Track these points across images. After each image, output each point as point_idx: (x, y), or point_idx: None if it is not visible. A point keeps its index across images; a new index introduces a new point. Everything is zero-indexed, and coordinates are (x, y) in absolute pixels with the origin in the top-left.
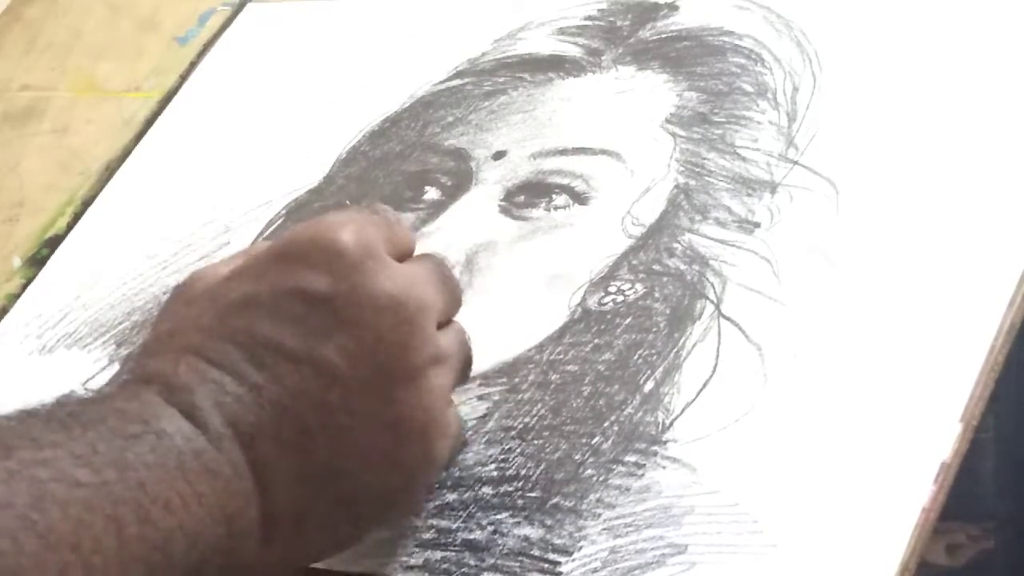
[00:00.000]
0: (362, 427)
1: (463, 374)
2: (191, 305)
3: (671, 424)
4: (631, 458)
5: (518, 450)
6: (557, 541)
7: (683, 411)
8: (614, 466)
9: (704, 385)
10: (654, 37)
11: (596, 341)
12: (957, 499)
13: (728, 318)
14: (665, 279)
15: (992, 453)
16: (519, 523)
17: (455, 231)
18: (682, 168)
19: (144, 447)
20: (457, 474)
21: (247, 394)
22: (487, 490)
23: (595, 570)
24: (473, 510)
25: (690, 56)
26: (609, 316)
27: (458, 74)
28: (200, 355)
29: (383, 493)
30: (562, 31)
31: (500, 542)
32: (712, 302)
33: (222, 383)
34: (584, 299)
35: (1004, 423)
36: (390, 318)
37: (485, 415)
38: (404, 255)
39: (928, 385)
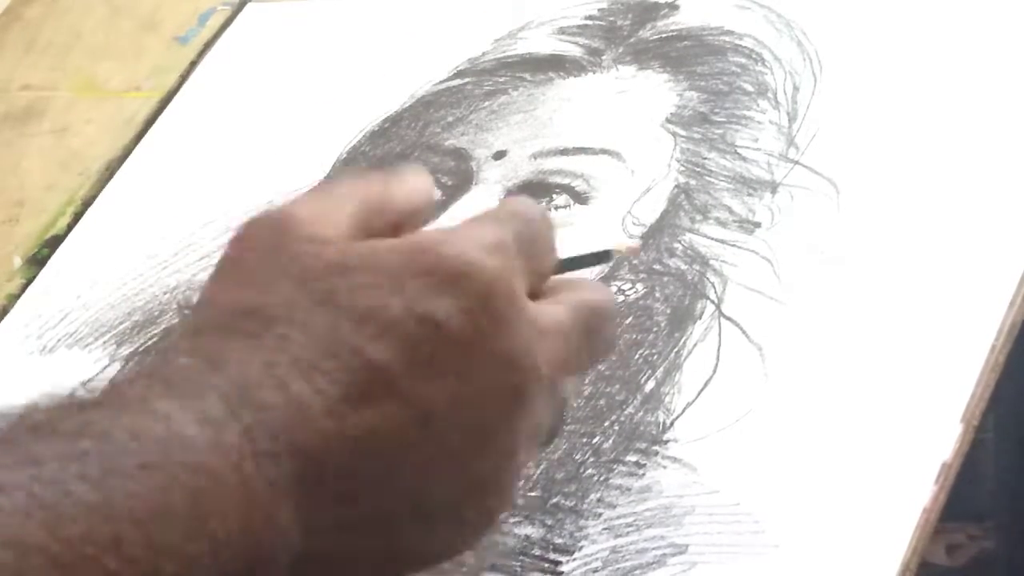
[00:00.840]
0: (439, 478)
1: (543, 447)
2: (284, 277)
3: (672, 424)
4: (632, 458)
5: None
6: (558, 541)
7: (684, 411)
8: (615, 466)
9: (705, 385)
10: (655, 37)
11: None
12: (957, 499)
13: (729, 318)
14: (666, 279)
15: (992, 453)
16: (520, 522)
17: None
18: (683, 168)
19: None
20: None
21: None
22: None
23: (596, 570)
24: None
25: (691, 55)
26: None
27: (458, 74)
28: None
29: (427, 553)
30: (562, 30)
31: (501, 541)
32: (713, 302)
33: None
34: None
35: (1004, 423)
36: (512, 377)
37: None
38: (543, 278)
39: (929, 385)
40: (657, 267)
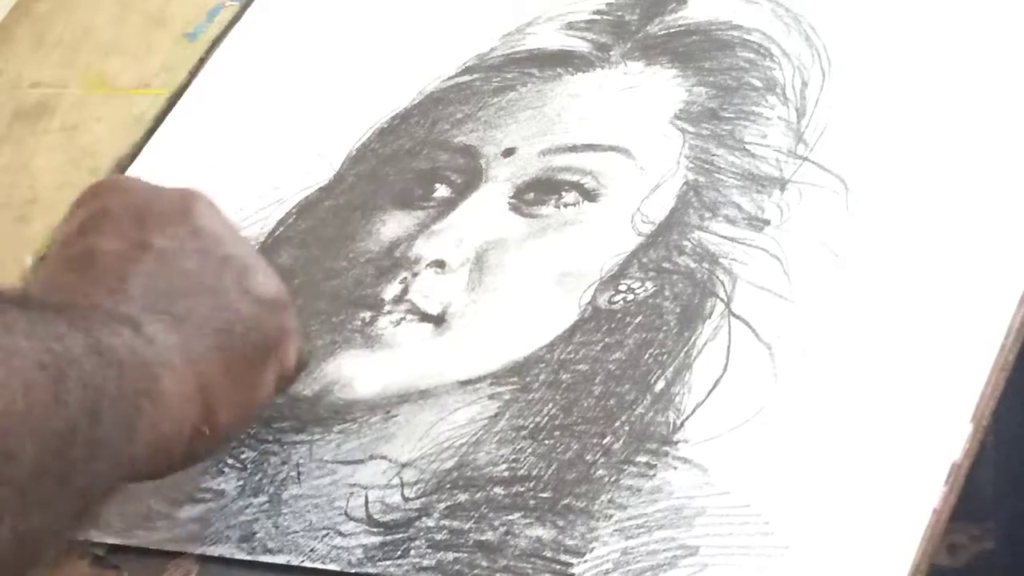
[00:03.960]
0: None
1: None
2: None
3: (682, 424)
4: (642, 458)
5: (529, 450)
6: (569, 542)
7: (694, 411)
8: (625, 466)
9: (715, 385)
10: (662, 32)
11: (606, 340)
12: (958, 499)
13: (738, 316)
14: (675, 277)
15: (992, 453)
16: (531, 524)
17: (465, 229)
18: (691, 164)
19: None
20: (469, 474)
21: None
22: (499, 490)
23: (607, 572)
24: (485, 511)
25: (699, 51)
26: (619, 315)
27: (467, 70)
28: None
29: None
30: (571, 26)
31: (512, 543)
32: (722, 300)
33: None
34: (594, 297)
35: (1004, 423)
36: None
37: (496, 415)
38: None
39: (939, 385)
40: (666, 265)
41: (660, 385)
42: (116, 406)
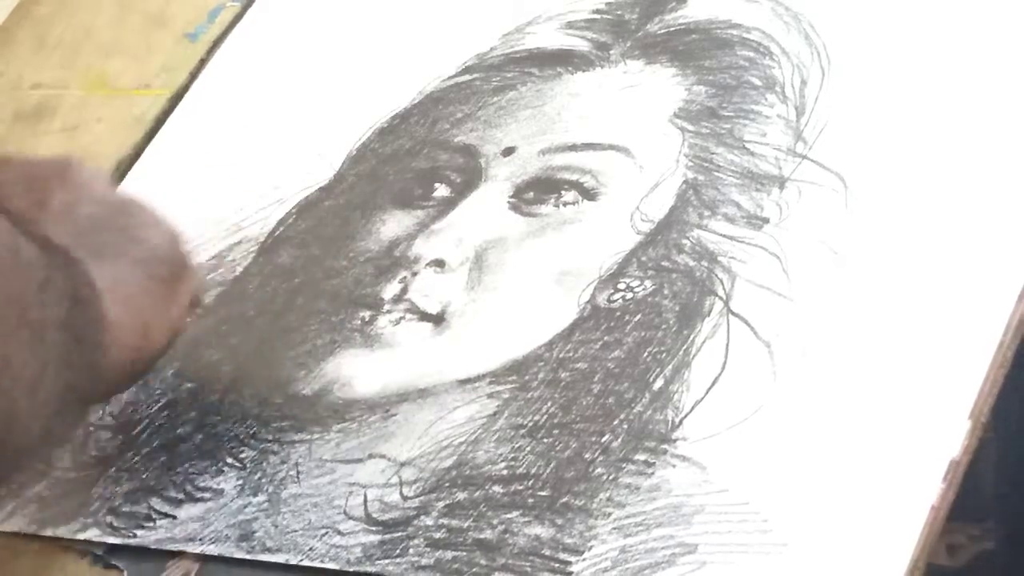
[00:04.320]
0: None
1: None
2: None
3: (681, 422)
4: (641, 456)
5: (528, 448)
6: (568, 540)
7: (693, 409)
8: (624, 464)
9: (714, 383)
10: (662, 31)
11: (605, 338)
12: (957, 499)
13: (737, 315)
14: (674, 275)
15: (992, 453)
16: (529, 522)
17: (465, 228)
18: (691, 163)
19: None
20: (467, 473)
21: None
22: (497, 489)
23: (605, 570)
24: (484, 509)
25: (698, 50)
26: (618, 313)
27: (466, 69)
28: None
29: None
30: (570, 25)
31: (511, 542)
32: (721, 299)
33: None
34: (593, 296)
35: (1004, 423)
36: None
37: (495, 413)
38: None
39: (937, 382)
40: (665, 263)
41: (659, 383)
42: (67, 334)
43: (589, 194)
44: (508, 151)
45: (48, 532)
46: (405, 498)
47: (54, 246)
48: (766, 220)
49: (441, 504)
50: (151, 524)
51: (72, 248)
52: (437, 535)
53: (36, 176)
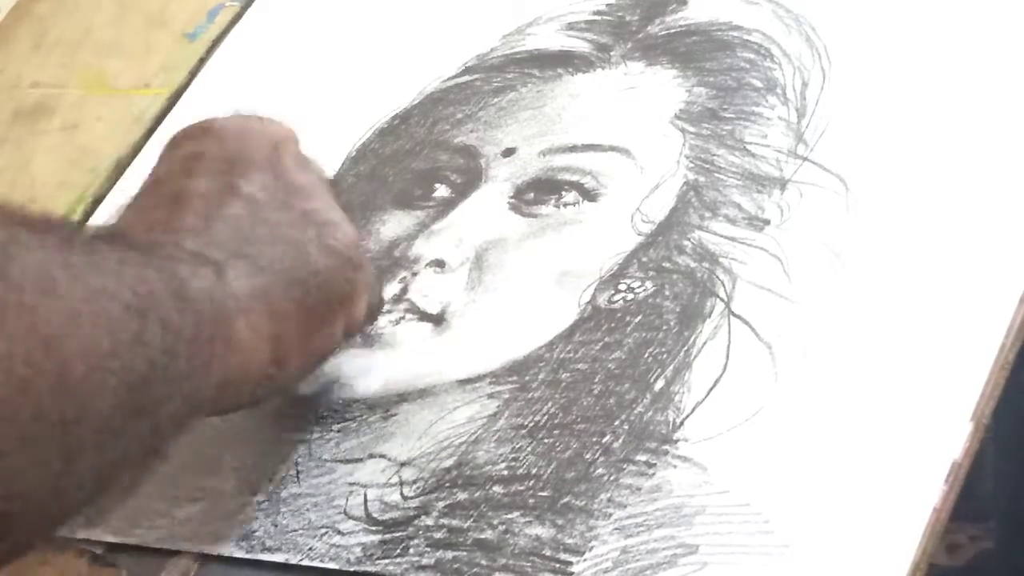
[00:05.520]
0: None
1: None
2: None
3: (682, 423)
4: (642, 457)
5: (528, 449)
6: (568, 541)
7: (693, 410)
8: (625, 465)
9: (714, 384)
10: (663, 32)
11: (606, 339)
12: (958, 499)
13: (738, 316)
14: (675, 277)
15: (992, 453)
16: (530, 522)
17: (465, 228)
18: (692, 164)
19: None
20: (468, 473)
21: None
22: (498, 489)
23: (606, 570)
24: (484, 509)
25: (699, 51)
26: (619, 314)
27: (467, 70)
28: None
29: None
30: (571, 26)
31: (511, 542)
32: (722, 300)
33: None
34: (594, 297)
35: (1004, 423)
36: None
37: (495, 413)
38: None
39: (939, 383)
40: (666, 265)
41: (660, 384)
42: (192, 349)
43: (590, 195)
44: (508, 152)
45: None
46: (405, 498)
47: (205, 257)
48: (767, 222)
49: (441, 504)
50: (150, 522)
51: (226, 259)
52: (437, 535)
53: (242, 157)
